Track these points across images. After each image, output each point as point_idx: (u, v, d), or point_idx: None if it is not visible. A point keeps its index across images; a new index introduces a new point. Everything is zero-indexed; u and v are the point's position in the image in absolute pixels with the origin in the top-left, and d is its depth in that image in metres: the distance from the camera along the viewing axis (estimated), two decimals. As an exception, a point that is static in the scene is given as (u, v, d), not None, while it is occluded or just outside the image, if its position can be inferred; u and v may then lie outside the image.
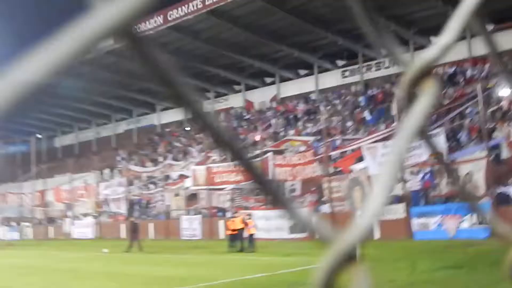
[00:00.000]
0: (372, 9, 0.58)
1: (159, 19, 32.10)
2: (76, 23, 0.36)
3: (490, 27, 29.13)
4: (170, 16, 31.69)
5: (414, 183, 20.62)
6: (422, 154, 20.04)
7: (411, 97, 0.61)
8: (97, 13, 0.37)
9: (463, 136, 22.34)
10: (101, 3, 0.37)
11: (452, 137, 22.23)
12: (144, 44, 0.39)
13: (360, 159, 22.68)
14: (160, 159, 38.20)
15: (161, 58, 0.39)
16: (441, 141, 19.91)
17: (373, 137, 23.36)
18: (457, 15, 0.71)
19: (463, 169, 18.84)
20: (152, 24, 32.33)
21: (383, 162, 0.56)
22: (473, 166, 18.75)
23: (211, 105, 41.28)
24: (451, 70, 28.28)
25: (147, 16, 32.37)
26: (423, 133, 0.63)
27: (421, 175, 20.81)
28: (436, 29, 28.40)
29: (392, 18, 26.82)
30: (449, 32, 0.68)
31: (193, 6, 30.61)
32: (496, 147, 19.99)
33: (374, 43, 0.61)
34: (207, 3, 29.77)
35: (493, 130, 20.93)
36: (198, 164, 31.50)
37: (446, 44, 0.66)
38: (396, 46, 0.63)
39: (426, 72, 0.62)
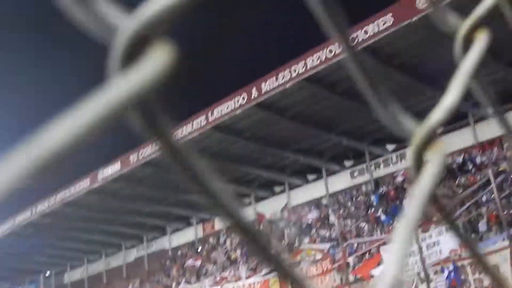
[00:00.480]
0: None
1: (163, 141, 32.37)
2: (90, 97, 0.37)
3: (505, 107, 29.20)
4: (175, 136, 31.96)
5: (440, 283, 19.62)
6: (442, 250, 19.31)
7: (419, 165, 0.62)
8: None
9: (481, 226, 21.62)
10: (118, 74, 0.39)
11: (470, 228, 21.52)
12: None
13: (380, 262, 21.87)
14: (173, 284, 37.22)
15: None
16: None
17: (390, 237, 22.60)
18: (457, 77, 0.73)
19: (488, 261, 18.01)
20: (158, 146, 32.63)
21: (395, 232, 0.57)
22: (498, 257, 17.90)
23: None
24: (460, 159, 28.03)
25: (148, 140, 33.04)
26: (448, 218, 0.66)
27: (446, 273, 19.87)
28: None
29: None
30: (451, 94, 0.70)
31: (197, 124, 30.98)
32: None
33: (379, 113, 0.62)
34: (210, 119, 30.15)
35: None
36: (212, 286, 30.64)
37: (450, 107, 0.69)
38: (401, 114, 0.63)
39: (431, 138, 0.63)
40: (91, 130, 0.33)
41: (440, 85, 22.69)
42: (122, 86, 0.36)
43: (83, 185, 36.72)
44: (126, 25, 0.38)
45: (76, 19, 0.37)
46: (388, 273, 0.48)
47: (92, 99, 0.35)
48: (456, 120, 27.14)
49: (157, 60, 0.37)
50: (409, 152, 0.63)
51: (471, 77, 0.70)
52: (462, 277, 19.07)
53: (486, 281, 18.00)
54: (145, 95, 0.36)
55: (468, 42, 0.75)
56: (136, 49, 0.38)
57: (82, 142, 0.33)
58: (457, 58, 0.73)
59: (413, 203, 0.57)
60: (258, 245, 0.42)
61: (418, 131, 0.62)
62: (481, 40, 0.74)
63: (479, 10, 0.78)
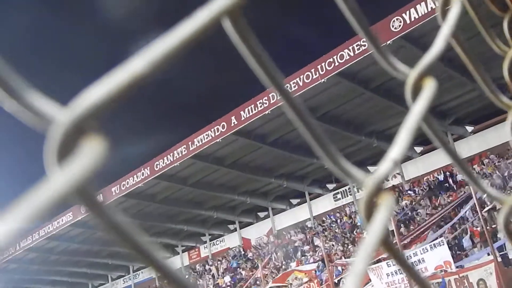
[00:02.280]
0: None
1: (146, 171, 32.40)
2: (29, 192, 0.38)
3: (470, 128, 29.79)
4: (156, 167, 32.01)
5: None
6: (427, 267, 19.52)
7: (370, 213, 0.65)
8: (53, 178, 0.39)
9: (465, 242, 21.88)
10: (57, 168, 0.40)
11: (455, 244, 21.78)
12: (105, 208, 0.42)
13: (368, 282, 21.99)
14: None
15: (123, 220, 0.43)
16: (444, 250, 19.48)
17: (375, 257, 22.79)
18: (405, 127, 0.75)
19: (474, 276, 18.26)
20: (139, 177, 32.66)
21: (349, 274, 0.58)
22: (483, 271, 18.15)
23: (209, 248, 40.84)
24: (441, 176, 28.45)
25: (134, 170, 33.19)
26: (397, 258, 0.68)
27: (432, 290, 20.06)
28: (471, 115, 29.30)
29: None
30: (398, 146, 0.72)
31: (177, 153, 30.99)
32: (502, 248, 19.49)
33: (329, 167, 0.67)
34: (191, 148, 30.20)
35: (495, 230, 20.54)
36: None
37: (395, 159, 0.70)
38: (351, 167, 0.67)
39: (379, 189, 0.66)
40: (30, 221, 0.36)
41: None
42: (60, 180, 0.38)
43: (65, 219, 36.48)
44: (61, 118, 0.41)
45: (10, 111, 0.41)
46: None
47: (32, 195, 0.38)
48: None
49: (91, 152, 0.40)
50: (360, 202, 0.67)
51: (420, 123, 0.78)
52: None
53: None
54: (81, 185, 0.39)
55: (416, 89, 0.84)
56: (70, 141, 0.40)
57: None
58: (408, 104, 0.83)
59: (364, 248, 0.61)
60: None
61: (367, 182, 0.66)
62: (428, 88, 0.83)
63: (425, 60, 0.87)
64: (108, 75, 0.43)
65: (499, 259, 18.37)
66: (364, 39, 0.81)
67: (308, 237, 33.35)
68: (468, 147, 28.34)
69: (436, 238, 20.66)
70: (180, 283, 0.45)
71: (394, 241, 20.75)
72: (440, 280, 18.97)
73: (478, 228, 21.67)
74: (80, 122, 0.41)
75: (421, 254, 19.74)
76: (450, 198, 25.47)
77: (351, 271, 0.58)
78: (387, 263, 20.34)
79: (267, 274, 30.99)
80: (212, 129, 28.78)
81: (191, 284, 0.46)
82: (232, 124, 27.79)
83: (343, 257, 27.26)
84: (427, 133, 0.86)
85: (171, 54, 0.44)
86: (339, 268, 25.68)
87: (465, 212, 22.94)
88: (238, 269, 35.35)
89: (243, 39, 0.48)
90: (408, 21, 21.69)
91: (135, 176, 32.76)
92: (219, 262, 38.18)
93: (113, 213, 0.41)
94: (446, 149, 0.90)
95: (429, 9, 21.02)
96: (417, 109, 0.81)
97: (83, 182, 0.39)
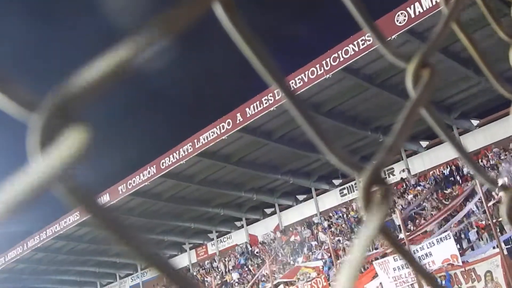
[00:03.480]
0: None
1: (152, 169, 32.43)
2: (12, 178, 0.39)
3: (475, 122, 29.70)
4: (162, 165, 32.03)
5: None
6: (434, 260, 19.50)
7: (368, 201, 0.64)
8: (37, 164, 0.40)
9: (472, 235, 21.83)
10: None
11: (461, 238, 21.73)
12: (103, 210, 0.42)
13: (375, 276, 21.96)
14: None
15: (124, 223, 0.43)
16: (451, 244, 19.43)
17: (382, 251, 22.77)
18: (403, 115, 0.75)
19: (481, 268, 18.22)
20: (146, 175, 32.68)
21: (346, 262, 0.59)
22: (489, 264, 18.11)
23: (216, 245, 40.90)
24: (447, 170, 28.38)
25: (140, 168, 33.22)
26: (395, 245, 0.68)
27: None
28: (477, 109, 29.20)
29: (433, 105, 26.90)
30: (393, 134, 0.73)
31: (183, 151, 30.99)
32: (509, 241, 19.42)
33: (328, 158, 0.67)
34: (197, 146, 30.19)
35: (501, 223, 20.48)
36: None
37: (390, 146, 0.71)
38: (349, 157, 0.67)
39: (377, 177, 0.66)
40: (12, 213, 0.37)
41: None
42: (43, 168, 0.39)
43: (72, 218, 36.57)
44: (43, 107, 0.41)
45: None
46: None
47: (15, 181, 0.39)
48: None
49: (73, 140, 0.40)
50: (359, 190, 0.67)
51: (419, 111, 0.78)
52: (456, 286, 19.25)
53: (480, 288, 18.23)
54: (65, 174, 0.39)
55: (417, 77, 0.84)
56: (53, 130, 0.40)
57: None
58: (408, 92, 0.83)
59: (362, 235, 0.62)
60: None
61: (366, 171, 0.67)
62: (428, 76, 0.83)
63: (426, 48, 0.87)
64: (91, 63, 0.43)
65: (505, 252, 18.31)
66: (368, 34, 0.80)
67: (314, 232, 33.35)
68: (474, 141, 28.24)
69: (443, 232, 20.61)
70: (181, 281, 0.46)
71: (400, 236, 20.73)
72: (444, 273, 18.95)
73: (484, 222, 21.62)
74: (63, 110, 0.41)
75: (428, 248, 19.71)
76: (457, 192, 25.40)
77: (348, 260, 0.58)
78: (393, 257, 20.31)
79: (274, 270, 31.02)
80: (218, 127, 28.76)
81: (193, 282, 0.47)
82: (238, 121, 27.76)
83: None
84: (431, 125, 0.86)
85: (156, 39, 0.45)
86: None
87: (471, 205, 22.89)
88: (246, 265, 35.39)
89: (235, 25, 0.48)
90: (412, 15, 21.60)
91: (141, 174, 32.79)
92: (226, 259, 38.22)
93: (109, 211, 0.41)
94: (449, 138, 0.90)
95: (434, 3, 20.92)
96: (417, 96, 0.81)
97: (65, 170, 0.39)
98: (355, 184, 33.71)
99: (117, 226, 0.42)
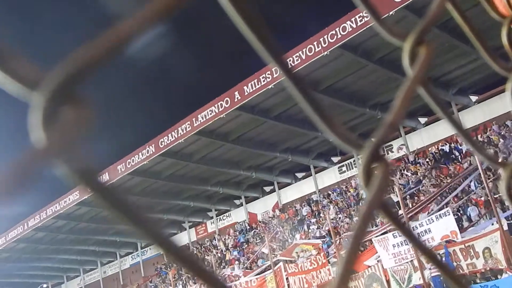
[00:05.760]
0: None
1: (151, 148, 32.45)
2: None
3: (474, 98, 29.66)
4: (161, 144, 32.04)
5: (433, 270, 19.87)
6: (434, 237, 19.58)
7: (368, 176, 0.65)
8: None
9: (472, 212, 21.90)
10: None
11: (461, 214, 21.81)
12: (110, 190, 0.42)
13: (374, 253, 22.09)
14: (170, 288, 37.24)
15: (128, 201, 0.43)
16: (450, 221, 19.50)
17: (381, 229, 22.87)
18: (401, 92, 0.76)
19: (480, 245, 18.30)
20: (144, 154, 32.70)
21: (347, 239, 0.59)
22: (488, 240, 18.19)
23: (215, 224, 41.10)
24: (446, 147, 28.40)
25: (138, 147, 33.23)
26: (395, 221, 0.68)
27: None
28: (476, 85, 29.22)
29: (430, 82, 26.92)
30: (393, 111, 0.73)
31: (182, 130, 30.97)
32: (509, 218, 19.45)
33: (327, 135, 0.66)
34: (195, 124, 30.16)
35: (501, 200, 20.53)
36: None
37: (390, 123, 0.72)
38: (349, 134, 0.67)
39: (377, 154, 0.67)
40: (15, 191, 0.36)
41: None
42: (46, 145, 0.39)
43: (72, 197, 36.68)
44: (44, 86, 0.41)
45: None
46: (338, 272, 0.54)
47: (18, 160, 0.38)
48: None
49: (76, 118, 0.40)
50: (358, 167, 0.68)
51: (419, 89, 0.78)
52: (455, 263, 19.36)
53: (479, 265, 18.31)
54: (68, 151, 0.39)
55: (414, 55, 0.84)
56: (55, 108, 0.40)
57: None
58: (406, 69, 0.83)
59: (363, 209, 0.62)
60: (192, 266, 0.46)
61: (366, 147, 0.67)
62: (425, 53, 0.83)
63: (422, 25, 0.87)
64: (92, 41, 0.42)
65: (505, 228, 18.38)
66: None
67: (314, 210, 33.48)
68: (473, 117, 28.26)
69: (442, 208, 20.69)
70: (185, 259, 0.46)
71: (400, 213, 20.81)
72: (443, 251, 19.05)
73: (483, 198, 21.67)
74: (65, 88, 0.41)
75: (427, 224, 19.79)
76: (456, 169, 25.45)
77: (350, 236, 0.59)
78: (393, 234, 20.41)
79: (274, 248, 31.21)
80: (216, 105, 28.70)
81: (196, 259, 0.47)
82: (236, 100, 27.70)
83: (349, 229, 27.36)
84: (429, 102, 0.86)
85: (154, 16, 0.44)
86: (346, 240, 25.76)
87: (470, 181, 22.94)
88: (245, 243, 35.58)
89: (232, 2, 0.47)
90: (410, -9, 21.44)
91: (140, 153, 32.80)
92: (226, 237, 38.43)
93: (113, 190, 0.41)
94: (446, 116, 0.90)
95: (432, -22, 20.71)
96: (414, 74, 0.81)
97: (68, 147, 0.39)
98: (354, 161, 33.78)
99: (122, 205, 0.42)
